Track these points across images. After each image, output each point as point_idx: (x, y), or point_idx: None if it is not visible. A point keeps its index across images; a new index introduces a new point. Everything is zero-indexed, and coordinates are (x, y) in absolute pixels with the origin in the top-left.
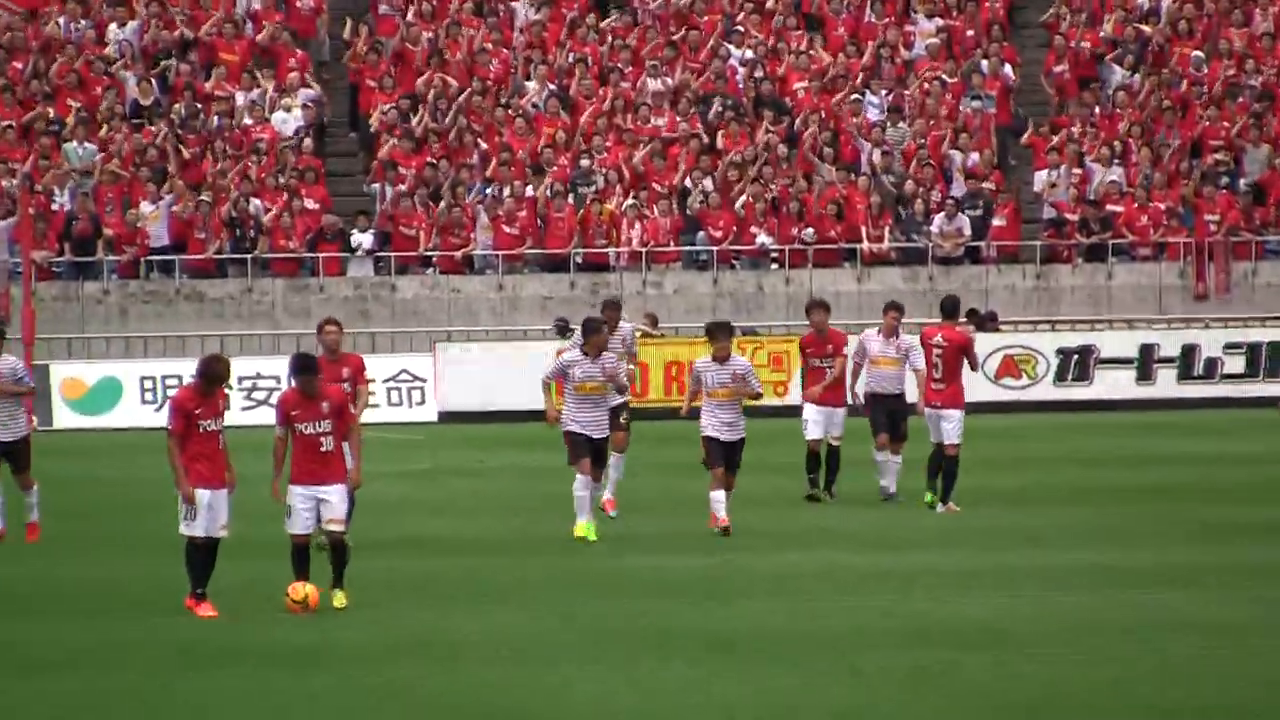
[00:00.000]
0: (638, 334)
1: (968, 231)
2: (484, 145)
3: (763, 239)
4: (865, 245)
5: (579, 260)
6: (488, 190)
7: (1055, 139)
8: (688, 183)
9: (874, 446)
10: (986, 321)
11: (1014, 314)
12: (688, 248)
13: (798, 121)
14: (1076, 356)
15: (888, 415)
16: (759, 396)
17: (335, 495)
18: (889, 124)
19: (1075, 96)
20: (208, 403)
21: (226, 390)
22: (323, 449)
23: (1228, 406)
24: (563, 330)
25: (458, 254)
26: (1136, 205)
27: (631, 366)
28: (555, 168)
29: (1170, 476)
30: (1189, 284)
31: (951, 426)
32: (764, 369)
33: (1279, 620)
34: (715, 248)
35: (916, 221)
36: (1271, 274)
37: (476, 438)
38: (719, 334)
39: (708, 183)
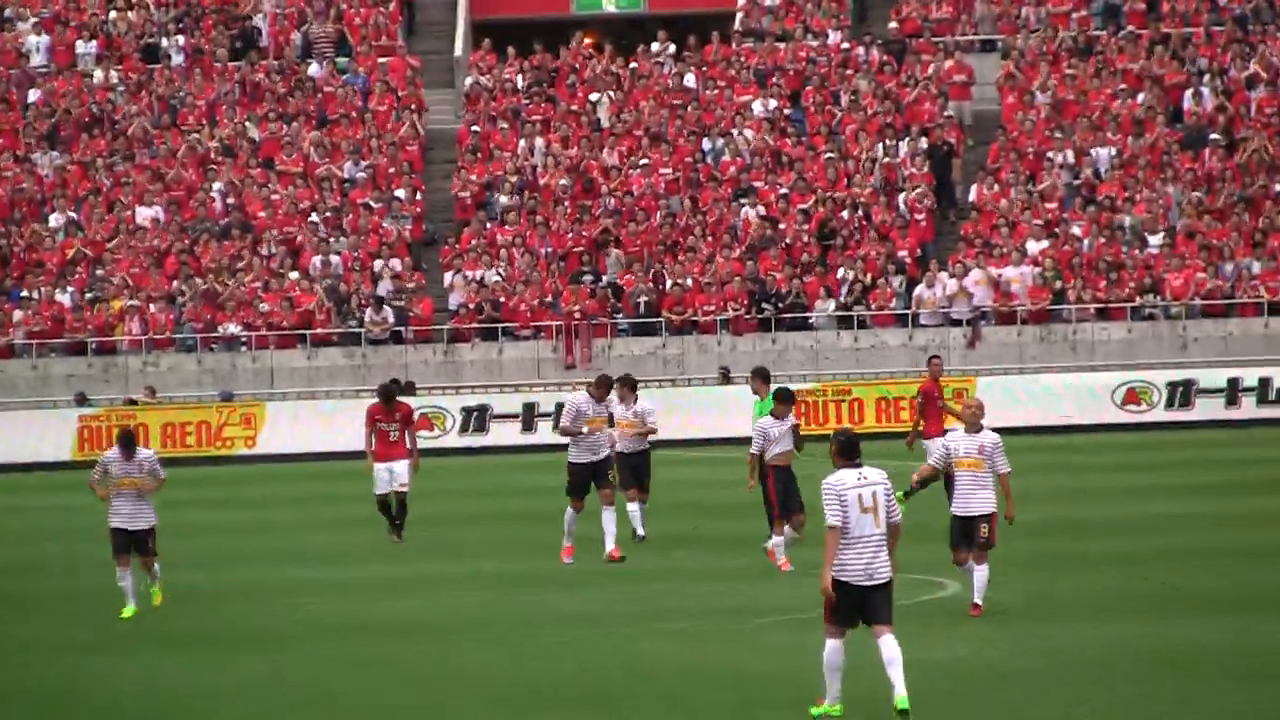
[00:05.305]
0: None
1: (392, 319)
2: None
3: (232, 328)
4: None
5: (94, 345)
6: (21, 294)
7: (457, 248)
8: (177, 284)
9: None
10: (406, 389)
11: (429, 381)
12: (180, 336)
13: (266, 240)
14: (476, 413)
15: (632, 470)
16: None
17: None
18: (333, 238)
19: (473, 216)
20: None
21: None
22: None
23: None
24: (82, 402)
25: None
26: (516, 296)
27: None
28: (77, 275)
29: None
30: (560, 357)
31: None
32: (238, 427)
33: None
34: (199, 335)
35: (355, 314)
36: (623, 348)
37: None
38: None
39: (197, 282)
